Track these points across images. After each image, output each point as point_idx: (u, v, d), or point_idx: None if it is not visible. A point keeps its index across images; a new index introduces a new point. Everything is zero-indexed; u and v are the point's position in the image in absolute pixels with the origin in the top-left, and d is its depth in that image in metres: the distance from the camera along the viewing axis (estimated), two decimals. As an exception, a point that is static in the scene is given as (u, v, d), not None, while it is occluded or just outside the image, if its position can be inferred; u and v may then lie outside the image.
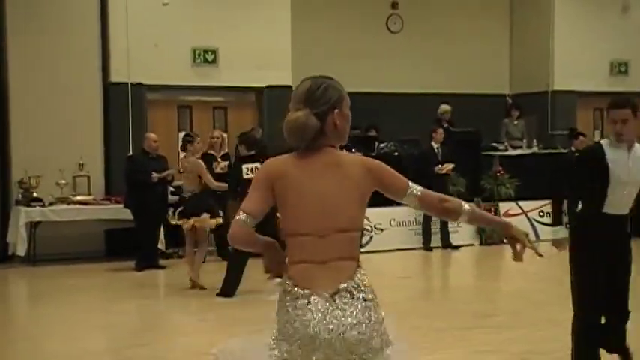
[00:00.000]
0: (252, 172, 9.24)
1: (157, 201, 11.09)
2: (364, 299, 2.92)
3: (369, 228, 12.63)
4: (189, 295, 9.35)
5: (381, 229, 12.61)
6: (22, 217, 11.26)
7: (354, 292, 2.93)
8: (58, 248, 11.63)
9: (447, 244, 12.65)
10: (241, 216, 2.98)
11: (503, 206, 13.45)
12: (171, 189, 12.37)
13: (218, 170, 11.49)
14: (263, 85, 13.31)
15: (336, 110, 3.09)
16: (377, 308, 2.95)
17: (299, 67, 13.57)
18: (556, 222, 5.52)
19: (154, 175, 10.98)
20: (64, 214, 11.51)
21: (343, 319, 2.87)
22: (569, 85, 15.38)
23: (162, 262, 11.37)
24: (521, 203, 13.54)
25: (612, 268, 5.07)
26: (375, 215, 12.45)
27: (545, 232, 13.84)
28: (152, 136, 11.32)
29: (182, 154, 10.55)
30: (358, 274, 2.98)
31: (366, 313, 2.90)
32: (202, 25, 12.84)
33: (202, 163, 9.71)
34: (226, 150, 12.38)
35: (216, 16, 12.91)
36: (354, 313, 2.88)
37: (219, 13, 12.96)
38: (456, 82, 15.14)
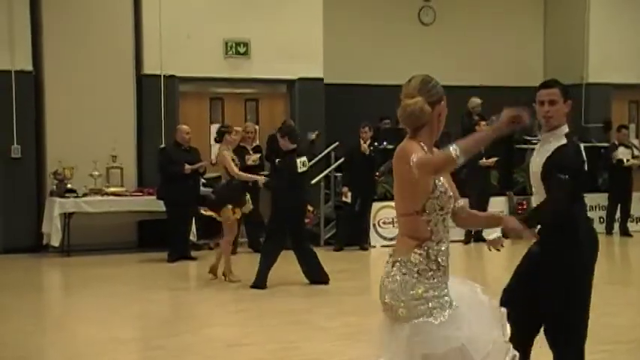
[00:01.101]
0: (304, 166, 9.22)
1: (189, 193, 11.15)
2: (405, 274, 3.43)
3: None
4: (221, 286, 9.39)
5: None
6: (56, 207, 11.38)
7: (401, 266, 3.46)
8: (91, 239, 11.75)
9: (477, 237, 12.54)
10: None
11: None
12: (203, 181, 12.44)
13: (250, 162, 11.51)
14: (295, 77, 13.30)
15: (442, 102, 3.55)
16: (416, 286, 3.41)
17: (331, 60, 13.56)
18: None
19: (187, 166, 11.04)
20: (97, 205, 11.61)
21: (389, 284, 3.47)
22: (604, 78, 15.16)
23: (193, 253, 11.42)
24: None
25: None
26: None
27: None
28: (184, 128, 11.37)
29: (217, 146, 10.53)
30: (412, 253, 3.45)
31: (401, 287, 3.42)
32: (234, 17, 12.86)
33: (226, 154, 9.56)
34: (257, 142, 12.39)
35: (247, 8, 12.92)
36: (392, 282, 3.46)
37: (251, 5, 12.96)
38: (488, 74, 15.00)
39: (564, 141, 4.42)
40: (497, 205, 12.86)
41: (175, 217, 11.11)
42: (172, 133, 11.65)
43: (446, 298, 3.42)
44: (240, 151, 11.70)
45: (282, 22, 13.07)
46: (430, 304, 3.40)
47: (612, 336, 6.62)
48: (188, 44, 12.58)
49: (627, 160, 13.53)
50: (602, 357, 5.99)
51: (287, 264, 11.12)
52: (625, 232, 13.57)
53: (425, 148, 3.48)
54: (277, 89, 13.77)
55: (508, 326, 3.55)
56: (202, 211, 9.93)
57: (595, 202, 13.76)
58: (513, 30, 15.72)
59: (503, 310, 3.60)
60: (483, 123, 12.20)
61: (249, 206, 9.81)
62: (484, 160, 12.47)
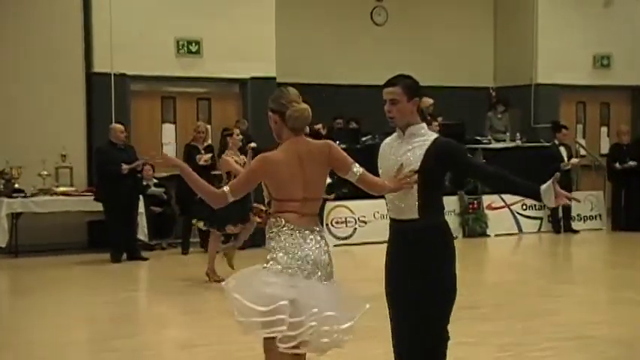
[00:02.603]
0: None
1: (129, 192, 11.05)
2: (322, 237, 4.14)
3: (353, 220, 12.65)
4: (174, 287, 9.32)
5: (365, 222, 12.63)
6: (3, 208, 11.16)
7: (318, 232, 4.15)
8: (40, 239, 11.54)
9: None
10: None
11: (487, 199, 13.50)
12: (155, 180, 12.33)
13: (202, 162, 11.44)
14: (247, 76, 13.26)
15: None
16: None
17: (283, 59, 13.55)
18: None
19: (124, 166, 10.90)
20: (46, 205, 11.42)
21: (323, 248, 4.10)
22: (553, 79, 15.44)
23: (145, 253, 11.31)
24: (504, 196, 13.59)
25: None
26: (359, 208, 12.48)
27: (528, 225, 13.96)
28: (118, 126, 11.24)
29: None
30: (317, 221, 4.20)
31: (325, 244, 4.14)
32: (186, 16, 12.76)
33: (229, 159, 9.26)
34: (210, 142, 12.31)
35: (199, 6, 12.84)
36: (323, 244, 4.11)
37: (203, 3, 12.88)
38: (440, 75, 15.14)
39: (435, 134, 4.26)
40: (450, 204, 13.00)
41: (115, 218, 10.97)
42: (126, 132, 11.50)
43: None
44: (190, 151, 11.65)
45: (235, 20, 13.02)
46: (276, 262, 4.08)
47: (559, 333, 6.75)
48: (139, 42, 12.44)
49: (564, 165, 13.63)
50: (548, 354, 6.11)
51: (244, 264, 11.08)
52: (570, 230, 13.82)
53: None
54: (230, 88, 13.71)
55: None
56: (197, 225, 9.67)
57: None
58: (464, 31, 15.90)
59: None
60: (436, 123, 12.32)
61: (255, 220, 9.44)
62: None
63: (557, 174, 4.23)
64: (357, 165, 4.13)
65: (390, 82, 4.31)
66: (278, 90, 4.15)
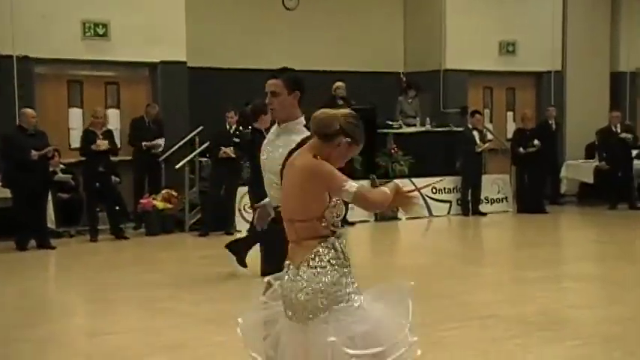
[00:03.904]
0: None
1: (38, 179, 10.74)
2: (319, 267, 3.54)
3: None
4: (82, 276, 9.13)
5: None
6: None
7: (312, 262, 3.55)
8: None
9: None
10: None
11: (398, 182, 13.68)
12: (62, 166, 12.02)
13: (102, 148, 11.26)
14: (157, 60, 13.04)
15: None
16: (330, 273, 3.55)
17: (194, 43, 13.37)
18: None
19: (34, 152, 10.59)
20: (-55, 193, 10.98)
21: (299, 285, 3.54)
22: (461, 64, 15.74)
23: (53, 241, 11.02)
24: (414, 180, 13.81)
25: None
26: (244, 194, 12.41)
27: (438, 208, 14.25)
28: (29, 111, 10.90)
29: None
30: (318, 247, 3.57)
31: (316, 279, 3.53)
32: (93, -3, 12.44)
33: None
34: (108, 127, 12.05)
35: (107, -11, 12.54)
36: (308, 279, 3.53)
37: (111, -14, 12.58)
38: (352, 59, 15.23)
39: (307, 132, 4.08)
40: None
41: (23, 205, 10.65)
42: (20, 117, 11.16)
43: (356, 284, 3.62)
44: (88, 136, 11.41)
45: (143, 3, 12.76)
46: (348, 289, 3.57)
47: (465, 313, 6.93)
48: (43, 24, 12.06)
49: (478, 146, 14.12)
50: (453, 333, 6.27)
51: (157, 251, 10.97)
52: (478, 212, 14.18)
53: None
54: (139, 73, 13.45)
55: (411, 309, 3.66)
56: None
57: (452, 184, 14.31)
58: (375, 17, 16.02)
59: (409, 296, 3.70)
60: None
61: None
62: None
63: (373, 176, 4.38)
64: (349, 184, 3.55)
65: (273, 75, 4.36)
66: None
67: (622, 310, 7.03)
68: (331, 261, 3.57)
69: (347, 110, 3.69)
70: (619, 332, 6.24)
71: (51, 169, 11.52)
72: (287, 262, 3.66)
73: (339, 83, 13.77)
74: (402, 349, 3.56)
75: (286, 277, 3.61)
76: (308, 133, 4.09)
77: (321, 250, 3.57)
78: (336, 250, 3.60)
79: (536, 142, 14.45)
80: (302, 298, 3.52)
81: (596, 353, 5.73)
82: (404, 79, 15.65)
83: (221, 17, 14.48)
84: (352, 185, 3.53)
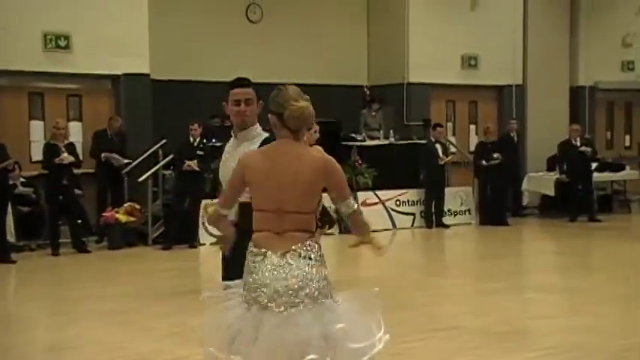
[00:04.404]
0: None
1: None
2: (309, 258, 3.58)
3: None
4: (43, 290, 9.01)
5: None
6: None
7: (302, 253, 3.59)
8: None
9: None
10: None
11: (362, 196, 13.72)
12: (23, 179, 11.88)
13: (66, 161, 11.15)
14: (119, 72, 12.96)
15: None
16: (320, 267, 3.61)
17: (158, 55, 13.32)
18: None
19: None
20: None
21: (287, 270, 3.55)
22: (424, 78, 15.88)
23: (13, 255, 10.85)
24: (378, 192, 13.90)
25: None
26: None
27: (402, 221, 14.33)
28: None
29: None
30: (308, 241, 3.62)
31: (308, 269, 3.56)
32: (53, 8, 12.32)
33: None
34: (70, 139, 11.94)
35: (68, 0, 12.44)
36: (298, 267, 3.55)
37: (73, -3, 12.50)
38: (315, 73, 15.28)
39: (263, 136, 4.36)
40: (325, 200, 13.16)
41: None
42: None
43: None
44: (50, 150, 11.28)
45: (106, 15, 12.69)
46: (330, 286, 3.65)
47: (429, 324, 6.97)
48: (3, 36, 11.93)
49: (441, 159, 14.27)
50: (418, 345, 6.30)
51: (119, 264, 10.86)
52: (441, 224, 14.28)
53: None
54: (101, 85, 13.35)
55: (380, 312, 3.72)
56: None
57: (416, 197, 14.41)
58: (338, 31, 16.10)
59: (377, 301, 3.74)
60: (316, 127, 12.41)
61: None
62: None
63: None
64: (353, 200, 3.74)
65: (244, 84, 4.45)
66: (276, 89, 3.76)
67: (582, 321, 7.13)
68: (320, 256, 3.65)
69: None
70: (579, 342, 6.32)
71: (11, 182, 11.37)
72: (263, 250, 3.60)
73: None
74: (374, 349, 3.61)
75: (259, 265, 3.57)
76: (266, 135, 4.31)
77: (310, 243, 3.63)
78: (320, 246, 3.69)
79: (496, 154, 14.62)
80: (295, 284, 3.53)
81: (556, 363, 5.79)
82: (367, 92, 15.74)
83: (185, 30, 14.45)
84: (354, 202, 3.74)
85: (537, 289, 8.84)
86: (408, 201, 14.30)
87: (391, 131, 15.03)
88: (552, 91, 17.28)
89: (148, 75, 13.09)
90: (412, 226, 14.41)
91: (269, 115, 3.79)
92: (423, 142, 14.73)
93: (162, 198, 12.89)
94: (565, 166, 15.29)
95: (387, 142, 14.85)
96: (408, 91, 15.85)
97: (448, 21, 16.11)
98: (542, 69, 17.12)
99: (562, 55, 17.58)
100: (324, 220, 5.28)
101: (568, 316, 7.51)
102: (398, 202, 14.14)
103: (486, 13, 16.48)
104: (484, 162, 14.69)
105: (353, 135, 14.65)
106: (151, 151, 12.85)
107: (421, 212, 14.43)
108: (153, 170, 12.57)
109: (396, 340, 6.27)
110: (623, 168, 16.52)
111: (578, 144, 15.28)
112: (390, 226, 14.06)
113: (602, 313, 7.40)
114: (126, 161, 12.53)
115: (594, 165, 15.63)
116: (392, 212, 14.10)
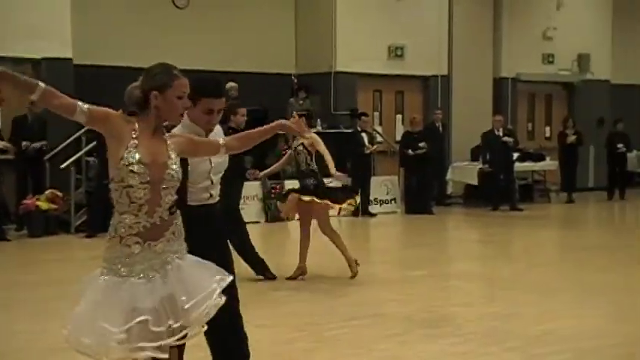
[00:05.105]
0: None
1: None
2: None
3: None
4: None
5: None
6: None
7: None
8: None
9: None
10: None
11: (289, 184, 13.73)
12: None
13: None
14: (39, 56, 12.62)
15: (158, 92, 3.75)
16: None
17: (81, 40, 13.03)
18: None
19: None
20: None
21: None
22: (351, 67, 15.98)
23: None
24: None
25: None
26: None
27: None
28: None
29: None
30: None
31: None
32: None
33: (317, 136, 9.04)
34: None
35: (-13, -19, 12.07)
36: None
37: (-8, -22, 12.12)
38: (243, 61, 15.22)
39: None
40: (252, 189, 13.15)
41: None
42: None
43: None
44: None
45: (27, -3, 12.34)
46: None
47: (355, 312, 7.04)
48: None
49: (367, 148, 14.43)
50: (343, 332, 6.36)
51: (40, 252, 10.61)
52: (367, 213, 14.42)
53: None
54: (21, 69, 12.93)
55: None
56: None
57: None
58: (266, 18, 16.04)
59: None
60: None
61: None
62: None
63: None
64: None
65: (221, 94, 4.33)
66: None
67: (501, 307, 7.32)
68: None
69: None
70: (498, 328, 6.49)
71: None
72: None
73: (231, 84, 13.73)
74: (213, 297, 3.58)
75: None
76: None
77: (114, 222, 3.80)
78: (114, 227, 3.78)
79: (422, 144, 14.83)
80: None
81: (474, 349, 5.92)
82: (295, 80, 15.75)
83: (110, 14, 14.18)
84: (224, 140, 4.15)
85: (460, 277, 9.02)
86: (335, 189, 14.37)
87: (318, 120, 15.07)
88: (476, 82, 17.62)
89: (70, 60, 12.79)
90: (338, 214, 14.47)
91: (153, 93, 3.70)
92: (350, 131, 14.82)
93: (85, 185, 12.65)
94: (488, 156, 15.62)
95: (314, 130, 14.85)
96: (335, 81, 15.92)
97: (376, 10, 16.22)
98: (467, 60, 17.43)
99: (486, 47, 17.93)
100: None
101: (487, 303, 7.70)
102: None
103: (413, 4, 16.66)
104: (410, 151, 14.88)
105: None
106: (73, 137, 12.58)
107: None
108: (76, 157, 12.32)
109: (321, 328, 6.38)
110: (543, 158, 16.99)
111: (501, 134, 15.63)
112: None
113: (521, 300, 7.61)
114: (40, 144, 12.20)
115: (516, 155, 16.01)
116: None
